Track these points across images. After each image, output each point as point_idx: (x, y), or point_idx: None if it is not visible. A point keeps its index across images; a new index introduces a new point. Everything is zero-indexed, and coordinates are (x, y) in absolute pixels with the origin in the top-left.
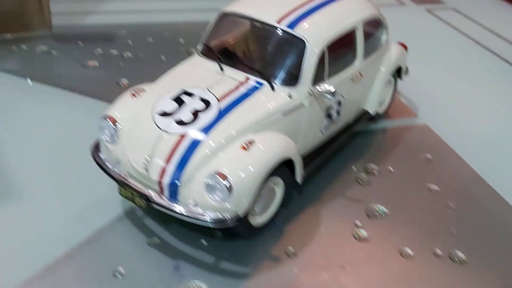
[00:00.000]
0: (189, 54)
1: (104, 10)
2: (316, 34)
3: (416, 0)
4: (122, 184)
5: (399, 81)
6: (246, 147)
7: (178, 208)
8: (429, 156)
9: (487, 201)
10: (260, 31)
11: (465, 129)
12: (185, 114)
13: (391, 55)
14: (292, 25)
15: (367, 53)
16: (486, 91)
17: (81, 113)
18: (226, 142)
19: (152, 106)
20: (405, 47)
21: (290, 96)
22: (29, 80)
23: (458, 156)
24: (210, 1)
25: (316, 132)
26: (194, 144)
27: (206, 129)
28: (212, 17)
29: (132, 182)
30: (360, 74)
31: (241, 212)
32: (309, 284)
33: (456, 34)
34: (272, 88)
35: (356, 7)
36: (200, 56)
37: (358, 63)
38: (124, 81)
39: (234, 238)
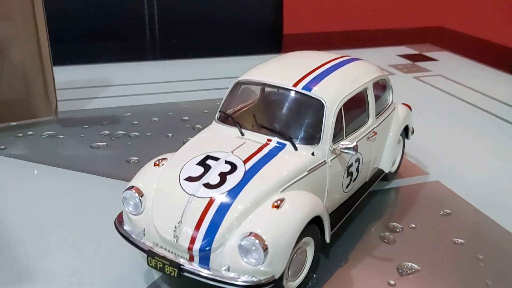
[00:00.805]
0: (194, 129)
1: (107, 94)
2: (332, 94)
3: (404, 70)
4: (152, 254)
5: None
6: (277, 205)
7: (210, 274)
8: (448, 211)
9: None
10: (276, 95)
11: (475, 182)
12: (212, 177)
13: (399, 115)
14: (308, 87)
15: (378, 112)
16: (484, 143)
17: (93, 191)
18: (256, 202)
19: (177, 173)
20: (409, 107)
21: (313, 154)
22: (35, 171)
23: (475, 208)
24: (208, 82)
25: (338, 190)
26: (224, 206)
27: (235, 191)
28: (211, 95)
29: (161, 252)
30: (374, 133)
31: (277, 274)
32: None
33: (447, 96)
34: (295, 147)
35: (365, 69)
36: (218, 123)
37: (371, 121)
38: (134, 159)
39: None
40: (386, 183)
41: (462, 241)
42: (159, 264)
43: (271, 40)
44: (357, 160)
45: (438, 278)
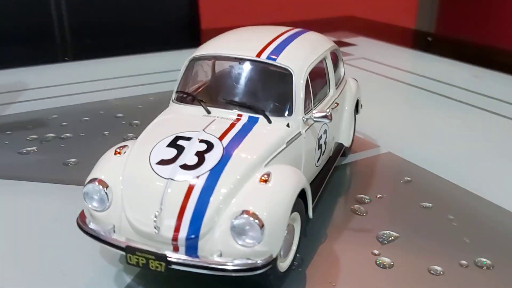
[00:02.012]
0: (131, 125)
1: (25, 99)
2: (298, 62)
3: None
4: (131, 250)
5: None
6: (265, 179)
7: (203, 262)
8: (408, 178)
9: (479, 207)
10: (239, 68)
11: (423, 149)
12: (189, 157)
13: (351, 88)
14: (272, 57)
15: (336, 83)
16: (418, 113)
17: (32, 199)
18: (241, 179)
19: (147, 158)
20: (356, 81)
21: (288, 126)
22: None
23: (432, 173)
24: (133, 79)
25: (312, 163)
26: (208, 187)
27: (217, 169)
28: (141, 91)
29: (141, 246)
30: (337, 104)
31: (274, 252)
32: None
33: (373, 75)
34: (269, 120)
35: (320, 39)
36: (178, 103)
37: (332, 92)
38: (72, 161)
39: None
40: (343, 159)
41: (430, 204)
42: (142, 260)
43: (189, 35)
44: (325, 132)
45: (418, 242)
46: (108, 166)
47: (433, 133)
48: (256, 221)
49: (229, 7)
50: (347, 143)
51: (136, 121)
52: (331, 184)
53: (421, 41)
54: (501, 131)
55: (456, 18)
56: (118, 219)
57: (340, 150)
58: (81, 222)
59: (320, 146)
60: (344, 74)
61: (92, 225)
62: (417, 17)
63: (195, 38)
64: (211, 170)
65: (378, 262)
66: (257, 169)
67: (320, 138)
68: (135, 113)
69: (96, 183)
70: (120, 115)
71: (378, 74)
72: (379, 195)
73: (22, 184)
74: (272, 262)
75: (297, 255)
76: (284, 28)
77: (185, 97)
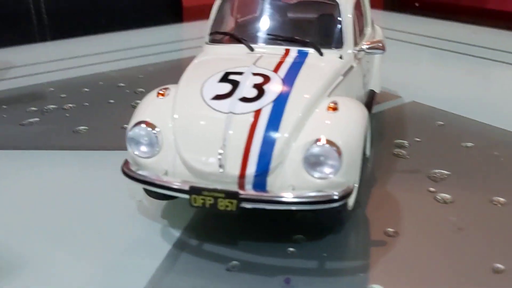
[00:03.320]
0: (136, 93)
1: (15, 75)
2: None
3: None
4: (196, 190)
5: None
6: (334, 107)
7: (278, 197)
8: (440, 122)
9: None
10: (280, 2)
11: (447, 96)
12: (246, 90)
13: (379, 32)
14: None
15: (370, 23)
16: (433, 65)
17: (49, 167)
18: (308, 108)
19: (199, 95)
20: None
21: (341, 58)
22: None
23: (462, 116)
24: (124, 52)
25: (361, 99)
26: (275, 118)
27: (281, 99)
28: (138, 63)
29: (206, 185)
30: (379, 41)
31: (352, 183)
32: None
33: None
34: (320, 53)
35: None
36: (214, 45)
37: (370, 30)
38: (82, 128)
39: (319, 235)
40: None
41: (471, 144)
42: (209, 200)
43: (172, 12)
44: (368, 70)
45: (471, 177)
46: (153, 108)
47: (451, 82)
48: (334, 148)
49: None
50: (377, 89)
51: (141, 89)
52: None
53: (407, 6)
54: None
55: None
56: (171, 163)
57: (373, 97)
58: (127, 170)
59: (364, 86)
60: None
61: (141, 172)
62: None
63: (177, 15)
64: (274, 101)
65: (438, 199)
66: (321, 99)
67: (364, 77)
68: (137, 82)
69: (143, 125)
70: (122, 84)
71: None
72: (417, 139)
73: (31, 153)
74: (350, 194)
75: None
76: None
77: (221, 37)
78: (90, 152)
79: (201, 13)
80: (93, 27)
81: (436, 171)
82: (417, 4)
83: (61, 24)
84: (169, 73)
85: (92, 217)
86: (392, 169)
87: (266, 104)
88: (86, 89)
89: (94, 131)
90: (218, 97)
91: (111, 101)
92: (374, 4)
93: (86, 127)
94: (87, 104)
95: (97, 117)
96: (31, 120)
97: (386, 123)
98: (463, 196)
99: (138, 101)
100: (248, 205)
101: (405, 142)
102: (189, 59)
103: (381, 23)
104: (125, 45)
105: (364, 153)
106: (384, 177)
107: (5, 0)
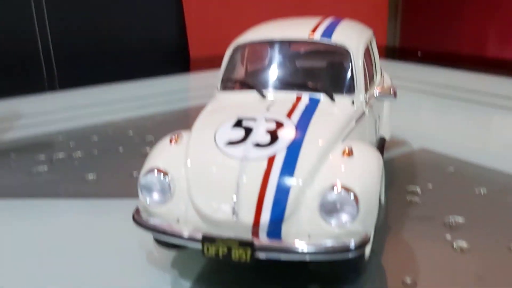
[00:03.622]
0: (145, 141)
1: (24, 125)
2: (353, 41)
3: None
4: (210, 240)
5: None
6: (349, 152)
7: (294, 248)
8: (451, 169)
9: None
10: (289, 50)
11: (456, 143)
12: (260, 136)
13: (387, 80)
14: (326, 36)
15: (379, 71)
16: (440, 113)
17: (61, 215)
18: (323, 154)
19: (212, 140)
20: None
21: (353, 103)
22: None
23: (473, 163)
24: (136, 101)
25: (373, 146)
26: (289, 163)
27: (295, 145)
28: (148, 112)
29: (219, 234)
30: (390, 87)
31: (369, 231)
32: None
33: None
34: (332, 99)
35: (360, 25)
36: (226, 92)
37: (379, 78)
38: (91, 176)
39: (335, 286)
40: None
41: (484, 190)
42: (223, 249)
43: (179, 63)
44: (379, 117)
45: (487, 224)
46: (165, 154)
47: (457, 129)
48: (351, 194)
49: (216, 37)
50: (388, 136)
51: (150, 138)
52: None
53: (409, 55)
54: None
55: (415, 33)
56: (183, 211)
57: (384, 143)
58: (138, 218)
59: (376, 132)
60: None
61: (153, 220)
62: (387, 35)
63: (185, 65)
64: (288, 147)
65: (454, 247)
66: (335, 144)
67: (376, 123)
68: (146, 131)
69: (156, 172)
70: (131, 133)
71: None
72: (429, 186)
73: (40, 202)
74: (367, 243)
75: None
76: (321, 17)
77: (232, 85)
78: (98, 200)
79: (208, 63)
80: (102, 77)
81: (451, 218)
82: (419, 54)
83: (70, 73)
84: (177, 122)
85: (101, 267)
86: (406, 216)
87: (280, 149)
88: (95, 138)
89: (102, 179)
90: (232, 143)
91: (120, 149)
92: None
93: (95, 176)
94: (96, 152)
95: (105, 165)
96: (40, 169)
97: (397, 170)
98: (480, 244)
99: (147, 149)
100: (262, 255)
101: (418, 189)
102: (197, 108)
103: (385, 70)
104: (133, 94)
105: (379, 200)
106: (399, 224)
107: (15, 50)
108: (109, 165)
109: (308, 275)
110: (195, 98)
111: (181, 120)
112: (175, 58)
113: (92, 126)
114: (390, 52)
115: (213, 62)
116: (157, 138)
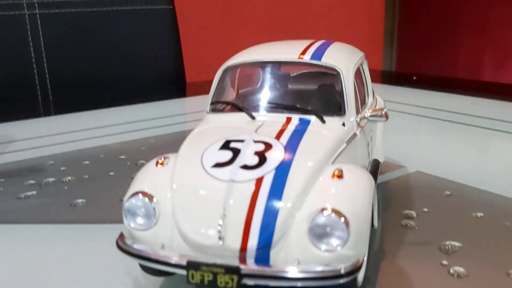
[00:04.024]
0: (137, 165)
1: (15, 149)
2: (344, 62)
3: None
4: (195, 266)
5: None
6: (339, 175)
7: (281, 273)
8: (448, 192)
9: None
10: (279, 72)
11: (452, 166)
12: (248, 158)
13: (380, 102)
14: (316, 57)
15: (371, 93)
16: (436, 136)
17: (41, 242)
18: (312, 176)
19: (199, 163)
20: None
21: (343, 125)
22: None
23: (470, 186)
24: (126, 126)
25: (365, 169)
26: (277, 186)
27: (284, 167)
28: (139, 135)
29: (206, 260)
30: (382, 109)
31: (361, 256)
32: None
33: None
34: (322, 120)
35: (352, 47)
36: (215, 114)
37: (371, 100)
38: (80, 201)
39: None
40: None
41: (481, 214)
42: (208, 276)
43: (175, 88)
44: (371, 139)
45: (485, 249)
46: (151, 177)
47: (453, 152)
48: (342, 218)
49: (212, 62)
50: (381, 159)
51: (142, 161)
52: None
53: (402, 80)
54: None
55: (411, 58)
56: (168, 236)
57: (378, 166)
58: (122, 243)
59: (368, 154)
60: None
61: (136, 246)
62: (383, 59)
63: (181, 90)
64: (277, 168)
65: (451, 272)
66: (325, 166)
67: (368, 145)
68: (138, 154)
69: (140, 196)
70: (123, 157)
71: None
72: (425, 209)
73: (27, 228)
74: (359, 269)
75: None
76: (311, 39)
77: (222, 107)
78: (86, 226)
79: (204, 88)
80: (97, 102)
81: (447, 242)
82: (415, 78)
83: (65, 98)
84: (171, 145)
85: None
86: (401, 241)
87: (268, 171)
88: (86, 162)
89: (91, 204)
90: (219, 165)
91: (111, 173)
92: (372, 78)
93: (84, 200)
94: (86, 176)
95: (95, 190)
96: (29, 193)
97: (392, 193)
98: (478, 269)
99: (137, 173)
100: (250, 282)
101: (413, 213)
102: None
103: (380, 95)
104: (128, 119)
105: (372, 224)
106: (394, 249)
107: (10, 74)
108: (99, 189)
109: None
110: (190, 121)
111: (175, 143)
112: (171, 84)
113: (84, 150)
114: (387, 77)
115: (209, 87)
116: (149, 161)
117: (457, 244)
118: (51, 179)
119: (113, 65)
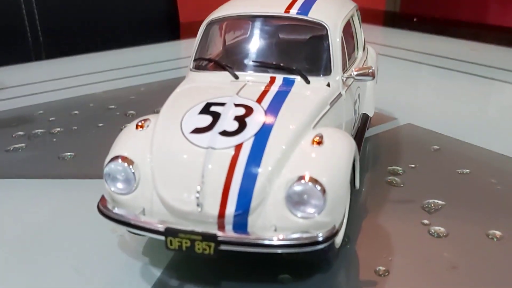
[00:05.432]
0: (127, 116)
1: (4, 97)
2: (331, 17)
3: None
4: (172, 232)
5: None
6: (318, 141)
7: (258, 240)
8: (436, 146)
9: None
10: (265, 27)
11: (443, 118)
12: (227, 123)
13: (372, 55)
14: (303, 12)
15: (362, 46)
16: (430, 85)
17: (30, 197)
18: (292, 142)
19: (178, 128)
20: None
21: (328, 85)
22: None
23: (459, 140)
24: (117, 72)
25: (349, 129)
26: (256, 153)
27: (263, 133)
28: (130, 83)
29: (183, 227)
30: (370, 67)
31: (337, 223)
32: None
33: None
34: (307, 81)
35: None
36: (198, 72)
37: (361, 54)
38: (68, 154)
39: (305, 275)
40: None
41: (467, 170)
42: (185, 242)
43: (169, 29)
44: (359, 96)
45: (467, 208)
46: (131, 141)
47: (449, 103)
48: (318, 186)
49: (206, 1)
50: (371, 113)
51: (131, 111)
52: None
53: (405, 22)
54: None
55: None
56: (148, 200)
57: (366, 121)
58: (103, 207)
59: (355, 112)
60: (364, 38)
61: (117, 210)
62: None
63: (174, 31)
64: (256, 134)
65: (431, 232)
66: (306, 131)
67: (355, 103)
68: (128, 104)
69: (120, 160)
70: (113, 106)
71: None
72: (411, 165)
73: (15, 182)
74: (335, 235)
75: None
76: None
77: (205, 64)
78: (73, 181)
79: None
80: (89, 46)
81: (431, 201)
82: (415, 19)
83: (56, 42)
84: (161, 94)
85: (70, 252)
86: (385, 199)
87: (247, 138)
88: (75, 112)
89: (79, 158)
90: (198, 130)
91: (100, 124)
92: (374, 21)
93: (72, 154)
94: (75, 128)
95: (83, 142)
96: (17, 145)
97: (381, 147)
98: (458, 229)
99: (127, 125)
100: (227, 248)
101: (400, 169)
102: (184, 79)
103: (379, 39)
104: (119, 64)
105: (354, 185)
106: (376, 208)
107: (0, 19)
108: (87, 142)
109: (279, 263)
110: (184, 67)
111: (166, 91)
112: (164, 25)
113: (74, 98)
114: (388, 18)
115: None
116: (139, 112)
117: (440, 202)
118: (40, 131)
119: (103, 4)
